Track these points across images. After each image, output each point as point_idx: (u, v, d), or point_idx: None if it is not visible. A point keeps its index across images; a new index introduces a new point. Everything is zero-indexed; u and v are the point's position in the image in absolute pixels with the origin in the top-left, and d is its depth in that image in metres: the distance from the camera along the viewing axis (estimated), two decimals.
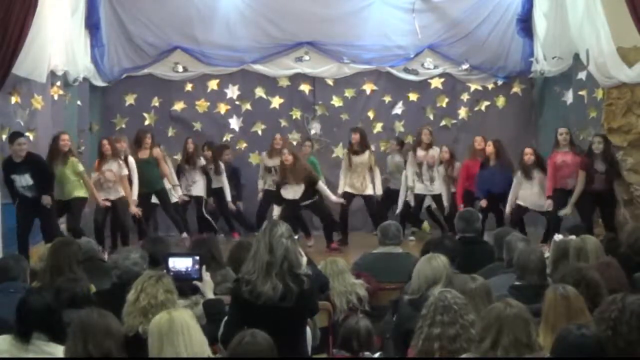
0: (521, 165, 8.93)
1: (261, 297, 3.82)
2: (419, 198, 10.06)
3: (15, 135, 7.82)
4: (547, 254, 5.37)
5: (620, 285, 4.23)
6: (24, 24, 7.72)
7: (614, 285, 4.16)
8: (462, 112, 11.46)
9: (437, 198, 10.04)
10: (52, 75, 9.10)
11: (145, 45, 11.12)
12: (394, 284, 5.64)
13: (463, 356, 3.39)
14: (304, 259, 4.15)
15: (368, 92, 11.45)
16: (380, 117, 11.43)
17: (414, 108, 11.46)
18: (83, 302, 4.10)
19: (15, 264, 4.91)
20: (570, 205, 8.44)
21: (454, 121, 11.46)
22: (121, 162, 9.05)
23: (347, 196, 9.85)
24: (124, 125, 11.17)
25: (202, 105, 11.31)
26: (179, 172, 10.12)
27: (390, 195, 10.34)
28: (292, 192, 9.30)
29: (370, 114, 11.39)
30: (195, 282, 4.45)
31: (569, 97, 10.10)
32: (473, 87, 11.46)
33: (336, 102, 11.42)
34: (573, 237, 5.41)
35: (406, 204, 10.18)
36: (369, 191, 9.90)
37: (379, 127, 11.39)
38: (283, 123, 11.33)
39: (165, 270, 4.33)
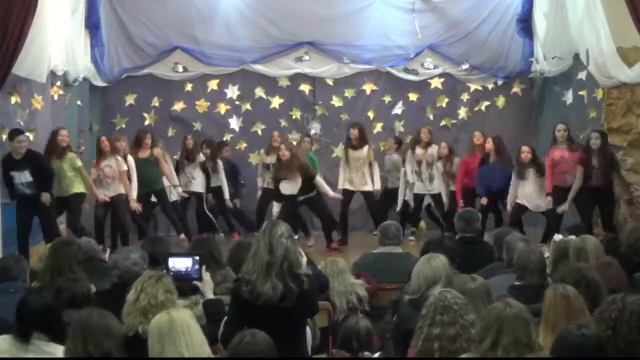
0: (517, 164, 8.92)
1: (261, 297, 3.82)
2: (419, 198, 10.06)
3: (15, 133, 7.81)
4: (547, 254, 5.37)
5: (620, 285, 4.23)
6: (24, 24, 7.71)
7: (614, 285, 4.16)
8: (462, 112, 11.45)
9: (436, 197, 10.04)
10: (52, 75, 9.10)
11: (145, 45, 11.12)
12: (394, 284, 5.64)
13: (463, 356, 3.39)
14: (304, 259, 4.15)
15: (368, 92, 11.44)
16: (380, 117, 11.42)
17: (414, 108, 11.45)
18: (83, 302, 4.11)
19: (15, 264, 4.91)
20: (568, 201, 8.40)
21: (454, 121, 11.45)
22: (120, 158, 9.04)
23: (347, 193, 9.84)
24: (124, 125, 11.16)
25: (202, 105, 11.30)
26: (178, 168, 10.11)
27: (390, 194, 10.34)
28: (289, 187, 9.27)
29: (370, 114, 11.38)
30: (195, 282, 4.44)
31: (569, 97, 10.11)
32: (473, 87, 11.46)
33: (336, 102, 11.42)
34: (573, 237, 5.41)
35: (405, 203, 10.19)
36: (368, 187, 9.88)
37: (378, 127, 11.38)
38: (283, 123, 11.32)
39: (165, 270, 4.33)
